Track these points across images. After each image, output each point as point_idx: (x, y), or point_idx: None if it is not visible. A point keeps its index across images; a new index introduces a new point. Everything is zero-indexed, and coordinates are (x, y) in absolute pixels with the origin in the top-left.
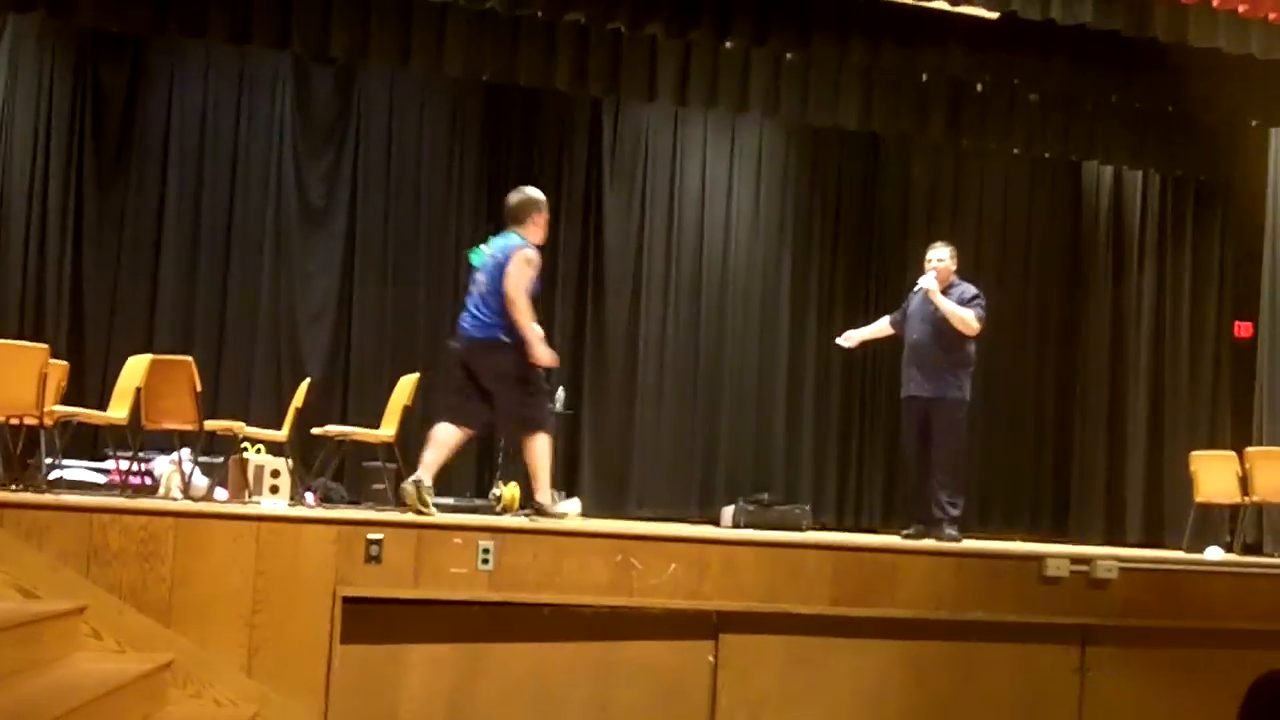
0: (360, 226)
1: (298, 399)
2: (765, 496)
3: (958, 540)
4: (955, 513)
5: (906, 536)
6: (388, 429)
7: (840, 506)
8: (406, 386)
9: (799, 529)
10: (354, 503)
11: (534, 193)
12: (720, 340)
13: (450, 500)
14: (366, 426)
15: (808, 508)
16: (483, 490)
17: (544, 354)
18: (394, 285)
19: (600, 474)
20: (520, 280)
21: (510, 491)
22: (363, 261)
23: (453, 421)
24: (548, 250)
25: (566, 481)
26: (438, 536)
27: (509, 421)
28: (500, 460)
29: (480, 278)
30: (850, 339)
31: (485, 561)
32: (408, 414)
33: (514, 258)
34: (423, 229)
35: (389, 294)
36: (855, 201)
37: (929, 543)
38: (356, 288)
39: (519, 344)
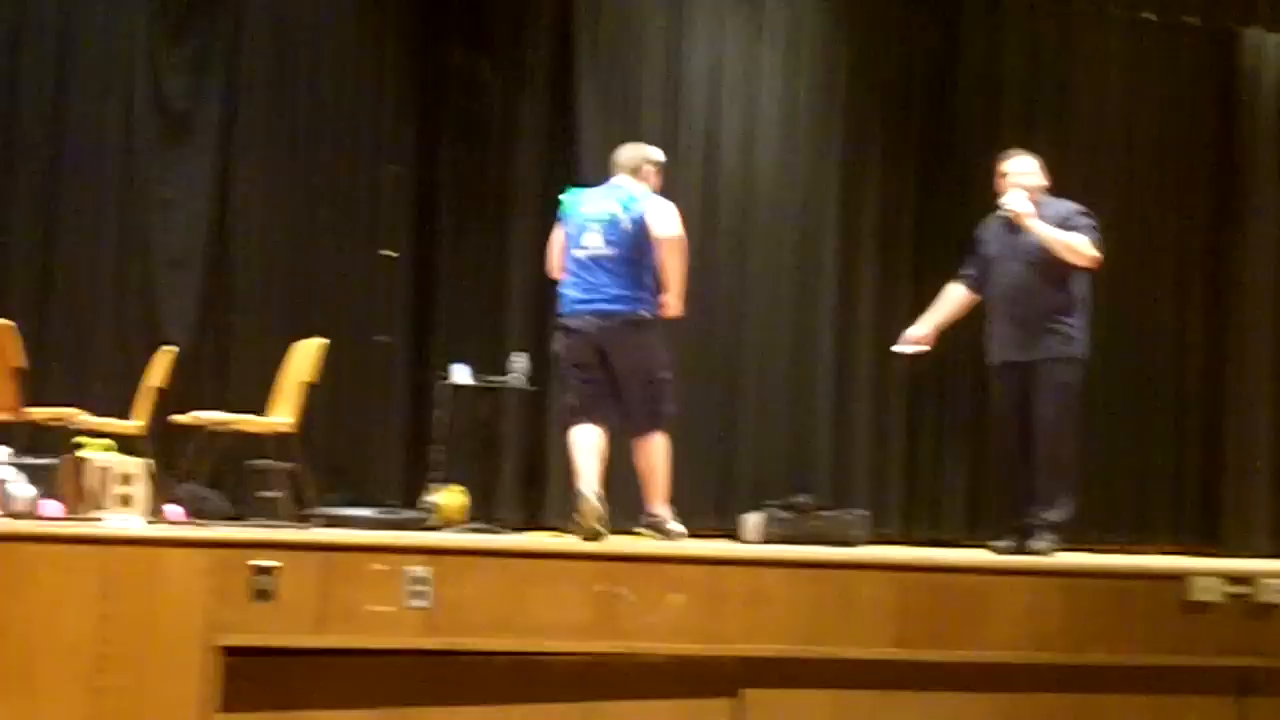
0: (238, 137)
1: (156, 376)
2: (805, 499)
3: (1051, 553)
4: (1059, 517)
5: (1001, 551)
6: (282, 414)
7: (908, 512)
8: (307, 356)
9: (852, 543)
10: (236, 517)
11: (650, 148)
12: (741, 292)
13: (367, 511)
14: (252, 412)
15: (864, 514)
16: (412, 496)
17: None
18: (288, 217)
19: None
20: (681, 238)
21: (452, 498)
22: (243, 185)
23: (593, 422)
24: (500, 172)
25: (528, 481)
26: (352, 562)
27: (640, 415)
28: (434, 458)
29: (594, 240)
30: (912, 342)
31: (418, 596)
32: (310, 394)
33: (661, 212)
34: (326, 139)
35: (279, 229)
36: (926, 98)
37: (1032, 560)
38: (235, 221)
39: (658, 322)
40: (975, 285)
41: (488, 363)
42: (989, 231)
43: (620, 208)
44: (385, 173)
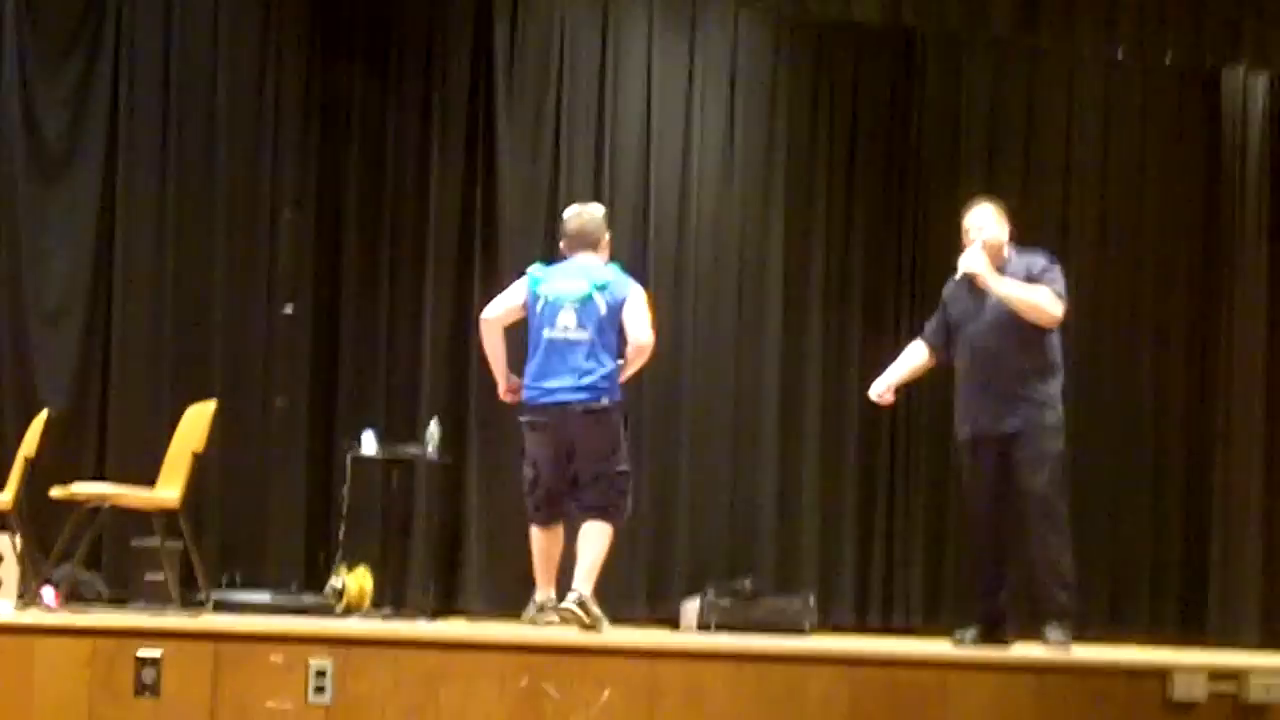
0: (123, 177)
1: (28, 444)
2: (748, 584)
3: (1066, 647)
4: (1070, 601)
5: (964, 643)
6: (169, 487)
7: (861, 598)
8: (197, 422)
9: (799, 631)
10: (117, 602)
11: (598, 210)
12: (676, 352)
13: (264, 596)
14: (137, 484)
15: (811, 599)
16: (314, 579)
17: None
18: (177, 266)
19: (495, 551)
20: (649, 328)
21: (358, 581)
22: (127, 232)
23: (554, 520)
24: (412, 217)
25: (443, 562)
26: (246, 653)
27: (592, 504)
28: (341, 533)
29: (568, 320)
30: (885, 390)
31: (320, 690)
32: (201, 465)
33: (634, 296)
34: (219, 180)
35: (167, 280)
36: (879, 137)
37: (998, 653)
38: (119, 270)
39: (621, 406)
40: (938, 348)
41: (399, 430)
42: (952, 292)
43: (596, 289)
44: (283, 217)
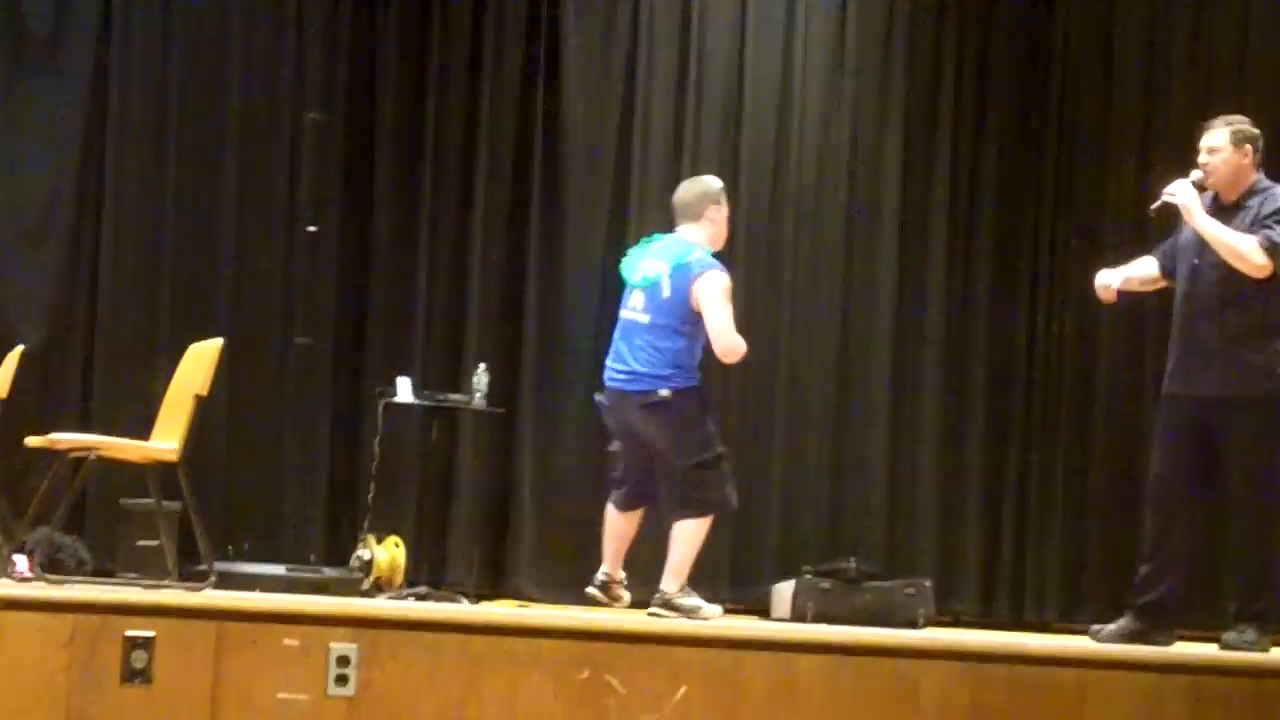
0: (117, 69)
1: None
2: (852, 564)
3: (1261, 648)
4: (1267, 606)
5: (1107, 638)
6: (166, 438)
7: (986, 586)
8: (201, 363)
9: (912, 622)
10: (104, 574)
11: (711, 181)
12: (771, 293)
13: (277, 569)
14: (127, 434)
15: (928, 585)
16: (337, 551)
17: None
18: (177, 176)
19: (551, 522)
20: (727, 321)
21: (389, 554)
22: (121, 132)
23: (626, 500)
24: (460, 126)
25: (490, 533)
26: (255, 635)
27: (672, 499)
28: (370, 496)
29: (637, 302)
30: (1111, 284)
31: (342, 680)
32: (205, 413)
33: (704, 286)
34: (231, 80)
35: (168, 193)
36: (1015, 39)
37: (1151, 651)
38: (110, 180)
39: (691, 395)
40: (1167, 272)
41: (439, 376)
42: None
43: (666, 271)
44: (306, 121)
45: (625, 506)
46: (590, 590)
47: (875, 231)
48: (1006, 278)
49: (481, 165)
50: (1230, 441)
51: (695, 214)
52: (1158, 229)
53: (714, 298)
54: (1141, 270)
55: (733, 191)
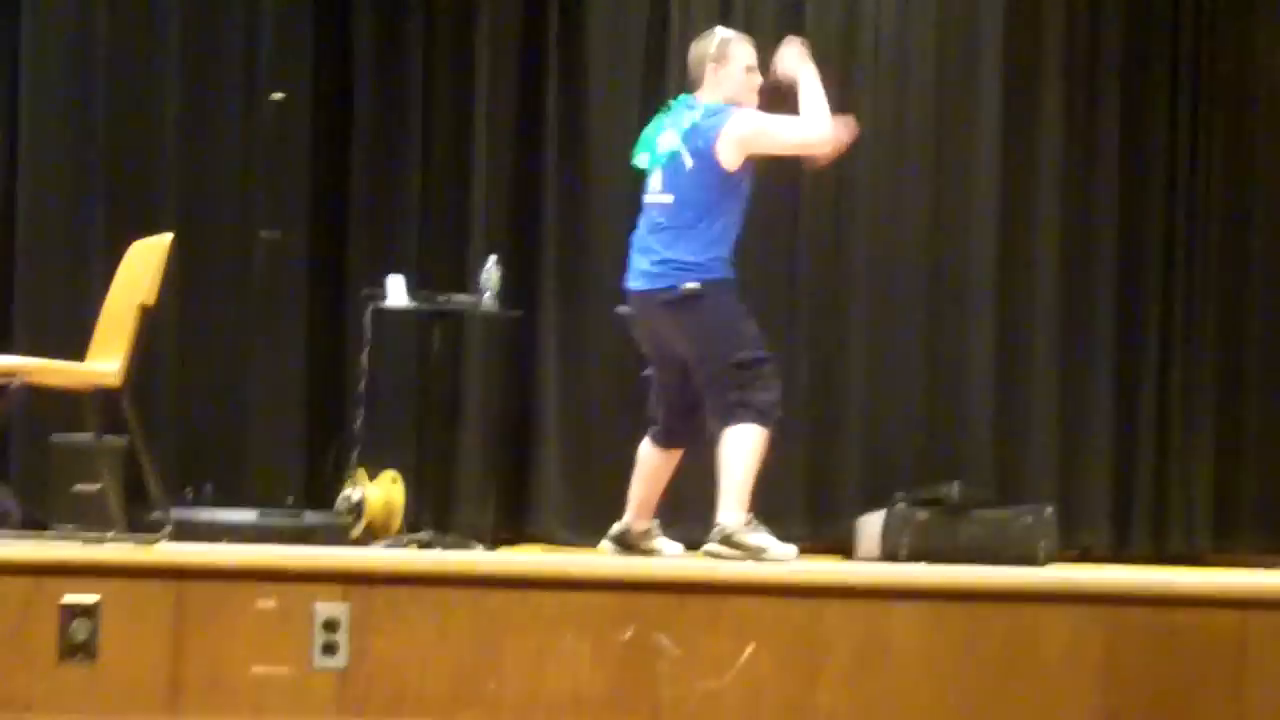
0: None
1: None
2: (955, 491)
3: None
4: None
5: None
6: (105, 359)
7: (1121, 514)
8: (146, 265)
9: (1032, 558)
10: (34, 525)
11: (712, 36)
12: (845, 175)
13: (247, 515)
14: (60, 354)
15: (1050, 512)
16: (321, 493)
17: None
18: (110, 31)
19: (583, 449)
20: (790, 122)
21: (384, 492)
22: None
23: (663, 437)
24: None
25: (508, 464)
26: (223, 597)
27: (716, 411)
28: (358, 423)
29: (655, 183)
30: None
31: (330, 649)
32: (149, 327)
33: (737, 122)
34: None
35: (98, 53)
36: None
37: None
38: (26, 35)
39: (725, 287)
40: None
41: (439, 274)
42: None
43: (681, 139)
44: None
45: (661, 442)
46: (605, 544)
47: (972, 85)
48: (1136, 138)
49: (485, 19)
50: None
51: (696, 79)
52: None
53: (756, 127)
54: None
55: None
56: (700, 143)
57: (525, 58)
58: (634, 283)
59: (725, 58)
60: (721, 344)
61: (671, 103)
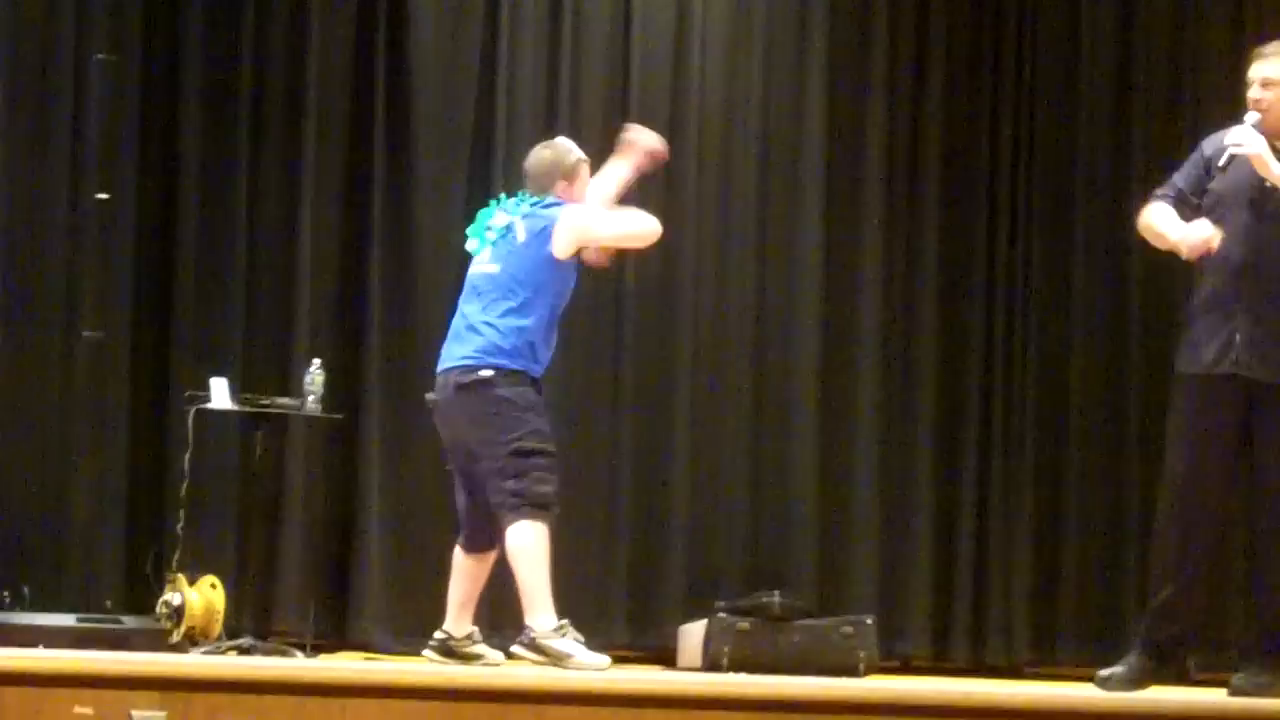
0: None
1: None
2: (776, 601)
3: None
4: None
5: (1114, 684)
6: None
7: (941, 623)
8: None
9: (852, 669)
10: None
11: (564, 148)
12: (672, 285)
13: (64, 619)
14: None
15: (870, 622)
16: (141, 594)
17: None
18: None
19: (405, 554)
20: (615, 217)
21: (204, 597)
22: None
23: (467, 540)
24: (284, 57)
25: (334, 578)
26: (38, 702)
27: (495, 501)
28: (179, 525)
29: (485, 254)
30: (1199, 238)
31: None
32: None
33: (571, 212)
34: None
35: None
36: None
37: (1178, 697)
38: None
39: (518, 379)
40: (1196, 210)
41: (263, 377)
42: (1218, 157)
43: (520, 217)
44: (92, 66)
45: (467, 545)
46: (427, 653)
47: (796, 198)
48: (957, 248)
49: (311, 121)
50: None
51: (542, 187)
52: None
53: (583, 216)
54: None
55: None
56: (536, 224)
57: (351, 157)
58: (440, 365)
59: (575, 179)
60: (503, 431)
61: (504, 196)
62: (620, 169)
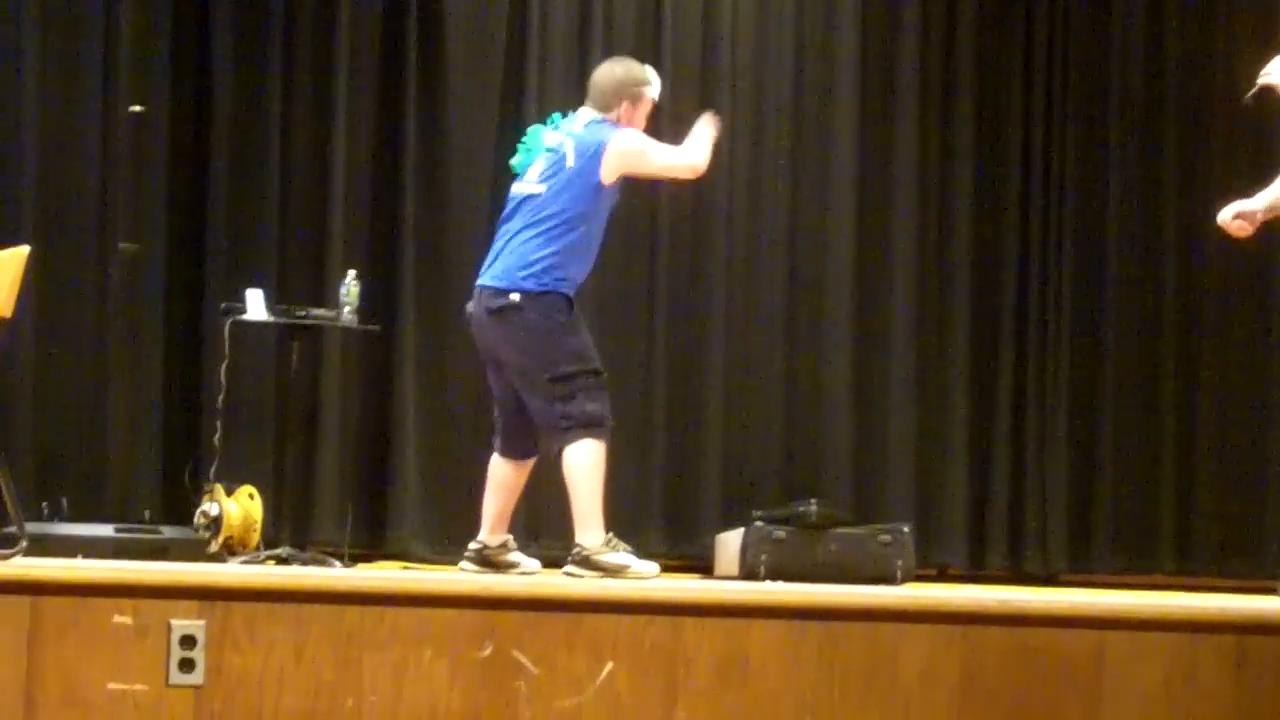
0: None
1: None
2: (813, 509)
3: None
4: None
5: None
6: None
7: (977, 532)
8: (2, 276)
9: (889, 577)
10: None
11: (635, 70)
12: (705, 197)
13: (102, 529)
14: None
15: (907, 531)
16: (177, 507)
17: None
18: None
19: (442, 464)
20: (668, 150)
21: (242, 508)
22: None
23: (505, 448)
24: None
25: (367, 479)
26: (77, 611)
27: (544, 427)
28: (216, 437)
29: (534, 173)
30: (1254, 214)
31: (187, 666)
32: (5, 339)
33: (623, 139)
34: None
35: None
36: None
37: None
38: None
39: (551, 300)
40: None
41: (298, 288)
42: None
43: (570, 138)
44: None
45: (505, 452)
46: (463, 564)
47: (829, 111)
48: (991, 159)
49: (343, 33)
50: None
51: (605, 104)
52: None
53: (634, 141)
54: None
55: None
56: (587, 146)
57: (385, 72)
58: (480, 277)
59: (639, 101)
60: (538, 358)
61: (556, 116)
62: (706, 136)
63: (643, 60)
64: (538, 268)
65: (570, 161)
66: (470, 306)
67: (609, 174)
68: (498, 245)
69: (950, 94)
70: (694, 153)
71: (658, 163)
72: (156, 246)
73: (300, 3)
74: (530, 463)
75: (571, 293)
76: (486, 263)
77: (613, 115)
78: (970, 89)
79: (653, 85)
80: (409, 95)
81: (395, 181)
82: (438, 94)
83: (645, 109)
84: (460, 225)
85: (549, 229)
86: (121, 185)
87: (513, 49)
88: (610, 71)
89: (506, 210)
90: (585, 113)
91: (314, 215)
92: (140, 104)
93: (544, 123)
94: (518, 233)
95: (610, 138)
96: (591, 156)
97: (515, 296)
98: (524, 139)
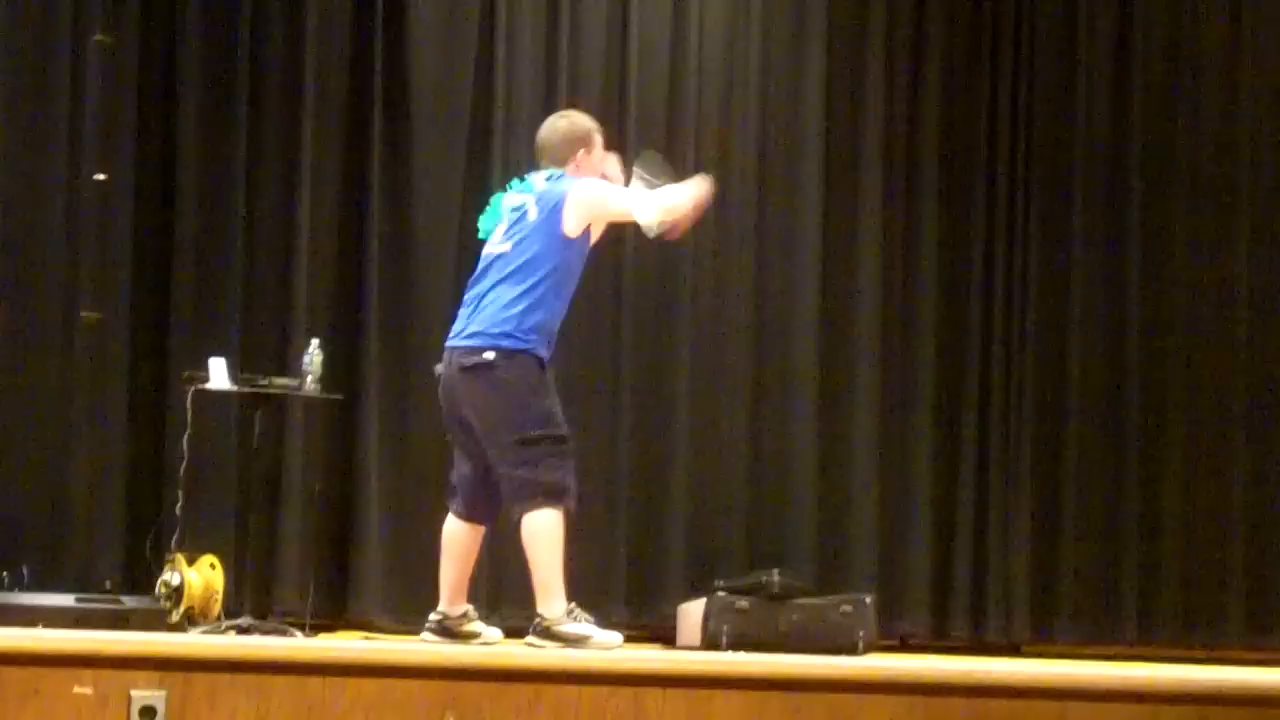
0: None
1: None
2: (775, 579)
3: None
4: None
5: None
6: None
7: (939, 602)
8: None
9: (850, 647)
10: None
11: (579, 120)
12: (671, 264)
13: (62, 599)
14: None
15: (868, 601)
16: (140, 575)
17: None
18: None
19: (405, 533)
20: (632, 194)
21: (203, 577)
22: None
23: (463, 510)
24: (283, 87)
25: (329, 548)
26: (37, 682)
27: (507, 492)
28: (178, 506)
29: (500, 234)
30: None
31: None
32: None
33: (584, 187)
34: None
35: None
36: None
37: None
38: None
39: (523, 360)
40: None
41: (262, 356)
42: None
43: (532, 196)
44: (90, 47)
45: (465, 515)
46: (425, 635)
47: (794, 176)
48: (956, 224)
49: (308, 103)
50: None
51: (560, 157)
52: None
53: (592, 190)
54: None
55: (618, 135)
56: (548, 201)
57: (350, 140)
58: (451, 339)
59: (591, 148)
60: (506, 418)
61: (518, 180)
62: (686, 192)
63: (607, 130)
64: (511, 324)
65: (532, 216)
66: (439, 368)
67: (572, 225)
68: (468, 307)
69: (913, 168)
70: (652, 198)
71: (615, 208)
72: (120, 314)
73: (265, 72)
74: (482, 529)
75: (544, 352)
76: (457, 325)
77: (570, 166)
78: (933, 159)
79: (594, 123)
80: (373, 164)
81: (359, 250)
82: (402, 162)
83: (599, 152)
84: (424, 294)
85: (518, 282)
86: (86, 253)
87: (478, 117)
88: (555, 126)
89: (476, 272)
90: (543, 171)
91: (278, 284)
92: (104, 172)
93: (504, 189)
94: (489, 290)
95: (570, 188)
96: (554, 210)
97: (490, 355)
98: (488, 207)
